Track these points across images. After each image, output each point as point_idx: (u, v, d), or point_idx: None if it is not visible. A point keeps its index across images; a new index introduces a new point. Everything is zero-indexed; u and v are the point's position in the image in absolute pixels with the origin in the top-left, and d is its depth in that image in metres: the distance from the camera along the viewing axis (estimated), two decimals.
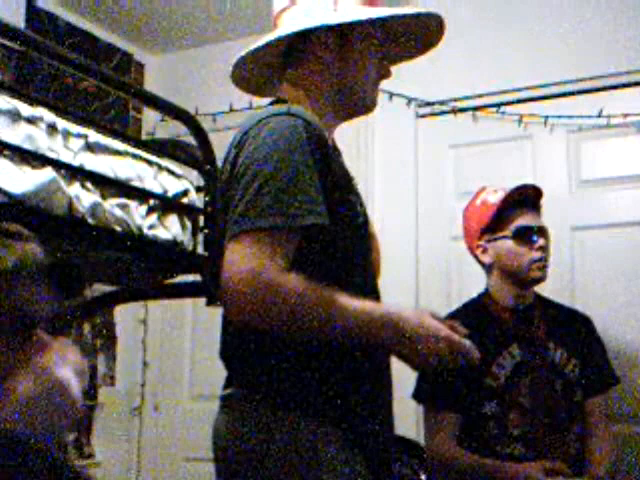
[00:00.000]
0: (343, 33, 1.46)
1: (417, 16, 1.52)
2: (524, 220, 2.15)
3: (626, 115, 2.63)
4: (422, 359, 1.27)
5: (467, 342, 1.32)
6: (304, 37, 1.46)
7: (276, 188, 1.25)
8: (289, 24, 1.46)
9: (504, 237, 2.15)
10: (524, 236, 2.13)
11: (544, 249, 2.15)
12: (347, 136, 3.16)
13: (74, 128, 1.62)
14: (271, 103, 1.50)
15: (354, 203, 1.43)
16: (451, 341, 1.29)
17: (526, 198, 2.19)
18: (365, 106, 1.52)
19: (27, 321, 0.99)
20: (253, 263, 1.20)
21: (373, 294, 1.42)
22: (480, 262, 2.22)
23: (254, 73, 1.56)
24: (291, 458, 1.27)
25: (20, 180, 1.44)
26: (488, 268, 2.21)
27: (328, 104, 1.48)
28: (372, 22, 1.47)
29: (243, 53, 1.50)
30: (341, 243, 1.35)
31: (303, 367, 1.31)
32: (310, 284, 1.24)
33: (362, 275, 1.41)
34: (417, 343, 1.26)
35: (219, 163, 1.99)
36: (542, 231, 2.17)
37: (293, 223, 1.24)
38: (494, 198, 2.18)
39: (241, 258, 1.21)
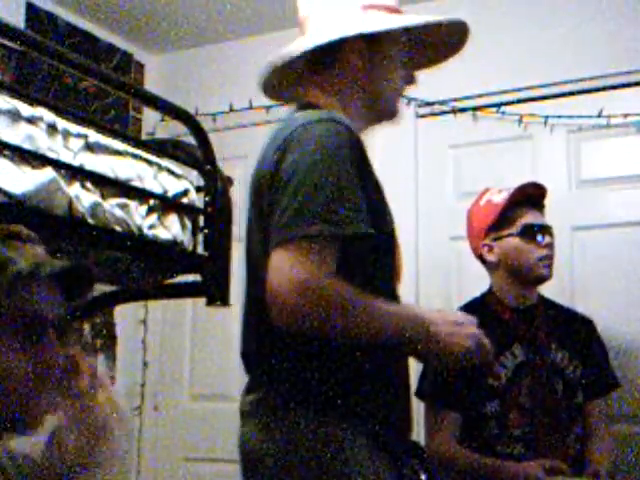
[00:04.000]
0: (373, 40, 1.46)
1: (443, 24, 1.54)
2: (530, 218, 2.16)
3: (626, 115, 2.63)
4: (453, 357, 1.31)
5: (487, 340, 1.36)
6: (334, 43, 1.44)
7: (324, 196, 1.26)
8: (321, 31, 1.46)
9: (510, 235, 2.15)
10: (531, 234, 2.14)
11: (550, 247, 2.16)
12: None
13: (74, 128, 1.62)
14: (301, 107, 1.48)
15: (387, 210, 1.46)
16: (479, 338, 1.33)
17: (531, 197, 2.20)
18: (391, 113, 1.54)
19: (40, 322, 1.00)
20: (304, 270, 1.22)
21: (395, 299, 1.44)
22: (485, 262, 2.22)
23: (277, 78, 1.55)
24: (327, 463, 1.29)
25: (20, 180, 1.44)
26: (493, 267, 2.21)
27: (358, 109, 1.49)
28: (399, 30, 1.48)
29: (275, 60, 1.49)
30: (373, 250, 1.37)
31: (337, 372, 1.33)
32: (355, 290, 1.27)
33: (388, 281, 1.44)
34: (449, 340, 1.30)
35: (220, 163, 2.00)
36: (548, 229, 2.18)
37: (341, 231, 1.26)
38: (499, 198, 2.18)
39: (291, 265, 1.23)
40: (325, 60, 1.47)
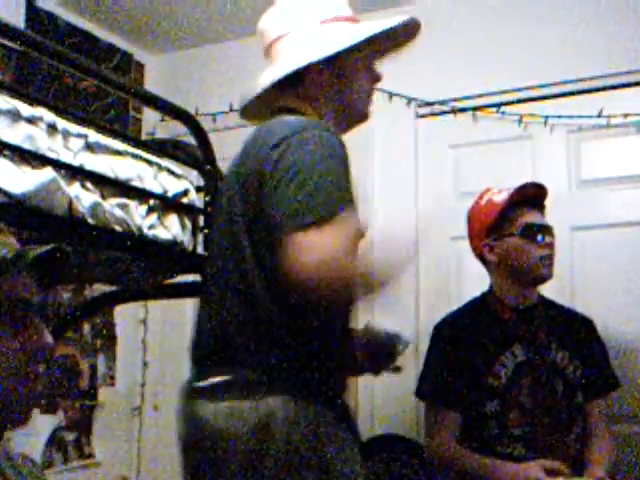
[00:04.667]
0: (335, 56, 1.54)
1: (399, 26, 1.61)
2: (531, 218, 2.16)
3: (626, 115, 2.63)
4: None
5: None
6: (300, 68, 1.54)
7: (332, 185, 1.37)
8: (286, 59, 1.56)
9: (511, 235, 2.15)
10: (531, 233, 2.14)
11: (551, 247, 2.16)
12: (347, 136, 3.16)
13: (74, 128, 1.62)
14: (281, 110, 1.56)
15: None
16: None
17: (532, 197, 2.20)
18: (362, 116, 1.64)
19: (26, 308, 1.02)
20: (331, 248, 1.31)
21: None
22: (485, 262, 2.22)
23: (255, 102, 1.64)
24: (297, 440, 1.34)
25: (20, 180, 1.44)
26: (494, 267, 2.21)
27: (331, 117, 1.58)
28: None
29: (250, 96, 1.60)
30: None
31: (306, 353, 1.40)
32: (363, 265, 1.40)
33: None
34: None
35: (220, 163, 2.00)
36: (548, 229, 2.18)
37: (352, 211, 1.39)
38: (499, 198, 2.18)
39: (317, 245, 1.31)
40: (293, 82, 1.56)
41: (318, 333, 1.42)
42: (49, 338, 1.03)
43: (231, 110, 3.16)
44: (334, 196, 1.36)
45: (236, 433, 1.34)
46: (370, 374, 1.66)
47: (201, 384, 1.43)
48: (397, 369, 1.63)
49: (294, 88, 1.57)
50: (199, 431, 1.41)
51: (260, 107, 1.66)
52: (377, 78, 1.63)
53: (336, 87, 1.57)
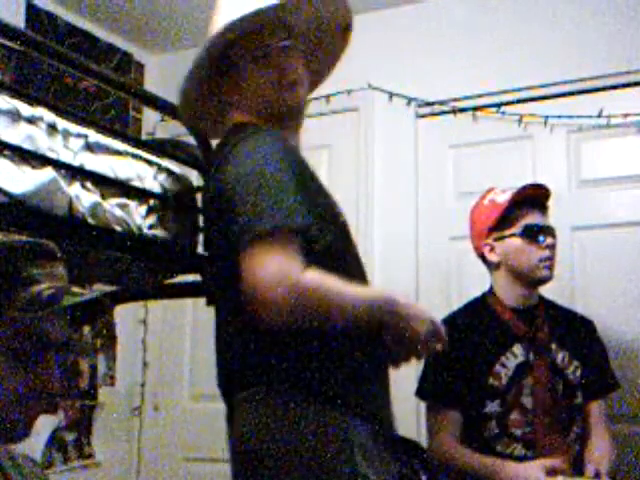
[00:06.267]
0: (250, 40, 1.52)
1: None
2: (532, 219, 2.16)
3: (626, 115, 2.63)
4: (413, 339, 1.37)
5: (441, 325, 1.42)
6: (224, 55, 1.54)
7: (267, 197, 1.31)
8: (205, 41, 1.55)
9: (512, 235, 2.15)
10: (532, 234, 2.14)
11: (552, 248, 2.15)
12: (347, 136, 3.17)
13: (74, 128, 1.62)
14: (232, 129, 1.53)
15: (333, 203, 1.50)
16: (435, 322, 1.40)
17: (534, 197, 2.19)
18: (293, 106, 1.54)
19: (43, 346, 1.00)
20: (276, 266, 1.27)
21: (364, 281, 1.51)
22: (486, 261, 2.22)
23: (192, 108, 1.64)
24: (326, 448, 1.32)
25: (20, 180, 1.44)
26: (494, 267, 2.20)
27: (267, 113, 1.52)
28: (272, 22, 1.52)
29: (182, 83, 1.57)
30: (331, 241, 1.42)
31: (326, 360, 1.37)
32: (327, 278, 1.32)
33: (356, 266, 1.50)
34: (411, 322, 1.37)
35: None
36: (550, 230, 2.17)
37: (291, 223, 1.31)
38: (502, 198, 2.18)
39: (263, 263, 1.27)
40: (221, 72, 1.56)
41: (334, 347, 1.38)
42: (57, 385, 1.01)
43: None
44: (271, 206, 1.31)
45: (266, 446, 1.34)
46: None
47: (235, 399, 1.42)
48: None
49: (224, 82, 1.56)
50: (235, 443, 1.41)
51: (197, 108, 1.65)
52: (280, 67, 1.52)
53: (259, 71, 1.52)
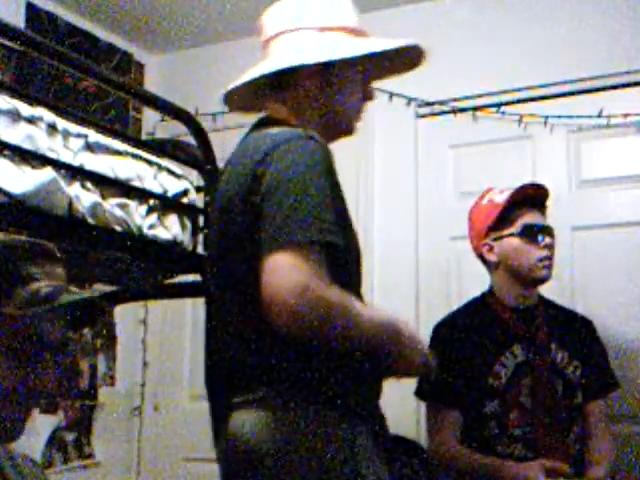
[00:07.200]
0: (328, 65, 1.52)
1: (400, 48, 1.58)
2: (531, 219, 2.16)
3: (626, 115, 2.63)
4: (417, 364, 1.41)
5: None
6: (291, 69, 1.51)
7: (310, 206, 1.31)
8: (280, 55, 1.53)
9: (511, 235, 2.15)
10: (531, 234, 2.14)
11: (550, 248, 2.16)
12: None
13: (74, 128, 1.62)
14: (266, 121, 1.54)
15: (351, 222, 1.50)
16: (427, 354, 1.44)
17: (532, 197, 2.19)
18: (347, 130, 1.60)
19: (40, 345, 1.00)
20: (304, 274, 1.25)
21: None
22: (485, 261, 2.22)
23: (242, 93, 1.61)
24: (327, 449, 1.33)
25: (20, 180, 1.44)
26: (493, 267, 2.21)
27: (316, 127, 1.53)
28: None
29: (237, 83, 1.55)
30: (345, 259, 1.42)
31: (326, 361, 1.37)
32: (350, 297, 1.32)
33: (358, 288, 1.50)
34: (407, 349, 1.39)
35: (220, 163, 2.00)
36: (548, 230, 2.17)
37: (327, 238, 1.31)
38: (500, 198, 2.18)
39: (290, 268, 1.26)
40: (283, 82, 1.54)
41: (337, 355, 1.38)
42: (52, 385, 1.01)
43: (231, 110, 3.16)
44: (312, 217, 1.31)
45: (267, 447, 1.33)
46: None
47: (235, 400, 1.42)
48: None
49: (281, 91, 1.55)
50: (234, 444, 1.40)
51: (244, 100, 1.64)
52: (370, 96, 1.60)
53: (324, 97, 1.53)
